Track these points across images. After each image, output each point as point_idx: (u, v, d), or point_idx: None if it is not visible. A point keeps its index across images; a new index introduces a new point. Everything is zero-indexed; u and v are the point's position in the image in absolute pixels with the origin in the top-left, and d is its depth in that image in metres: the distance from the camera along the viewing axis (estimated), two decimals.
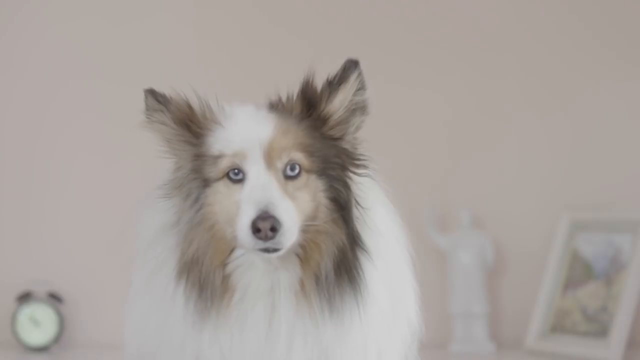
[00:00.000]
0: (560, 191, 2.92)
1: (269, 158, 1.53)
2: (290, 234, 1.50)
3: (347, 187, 1.56)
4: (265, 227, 1.47)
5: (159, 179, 1.61)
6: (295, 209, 1.51)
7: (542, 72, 2.94)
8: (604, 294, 2.72)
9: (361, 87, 1.58)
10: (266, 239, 1.48)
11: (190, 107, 1.57)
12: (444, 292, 2.87)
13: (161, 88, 1.59)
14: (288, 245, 1.50)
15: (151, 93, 1.58)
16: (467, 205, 2.90)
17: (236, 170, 1.54)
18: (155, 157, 1.60)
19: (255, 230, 1.48)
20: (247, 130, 1.54)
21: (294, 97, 1.58)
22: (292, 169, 1.54)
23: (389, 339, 1.59)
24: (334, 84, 1.57)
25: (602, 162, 2.92)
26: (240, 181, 1.54)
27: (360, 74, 1.58)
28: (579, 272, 2.80)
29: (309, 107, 1.57)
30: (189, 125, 1.56)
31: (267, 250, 1.50)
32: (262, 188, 1.51)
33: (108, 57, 2.93)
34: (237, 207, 1.52)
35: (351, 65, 1.58)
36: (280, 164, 1.53)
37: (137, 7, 2.95)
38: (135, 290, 1.62)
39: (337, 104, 1.57)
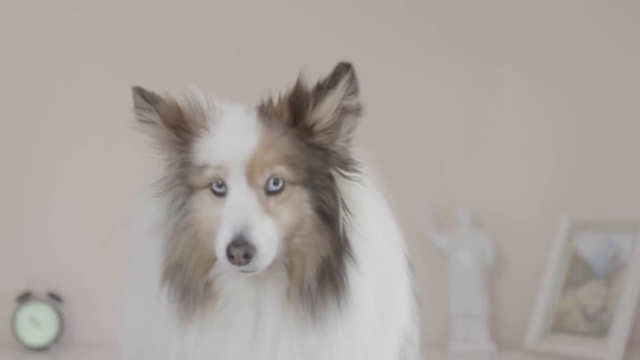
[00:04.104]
0: (560, 191, 2.92)
1: (251, 174, 1.51)
2: (265, 258, 1.48)
3: (334, 195, 1.53)
4: (238, 254, 1.46)
5: (151, 177, 1.60)
6: (276, 226, 1.49)
7: (543, 72, 2.94)
8: (604, 294, 2.72)
9: (352, 92, 1.54)
10: (240, 265, 1.46)
11: (179, 110, 1.54)
12: (444, 292, 2.87)
13: (159, 88, 1.58)
14: (263, 267, 1.49)
15: (139, 91, 1.56)
16: (467, 205, 2.90)
17: (219, 182, 1.52)
18: (150, 158, 1.60)
19: (229, 256, 1.46)
20: (231, 142, 1.52)
21: (282, 103, 1.55)
22: (275, 183, 1.51)
23: (376, 345, 1.57)
24: (323, 89, 1.53)
25: (603, 162, 2.92)
26: (223, 194, 1.52)
27: (352, 78, 1.53)
28: (579, 272, 2.80)
29: (296, 114, 1.54)
30: (177, 130, 1.54)
31: (243, 271, 1.49)
32: (240, 209, 1.49)
33: (103, 58, 2.94)
34: (218, 222, 1.50)
35: (342, 69, 1.53)
36: (261, 180, 1.51)
37: (137, 8, 2.96)
38: (128, 287, 1.62)
39: (324, 111, 1.54)
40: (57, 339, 2.85)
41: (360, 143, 1.60)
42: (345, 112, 1.55)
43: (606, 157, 2.92)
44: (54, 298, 2.87)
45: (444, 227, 2.92)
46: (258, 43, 2.93)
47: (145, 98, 1.55)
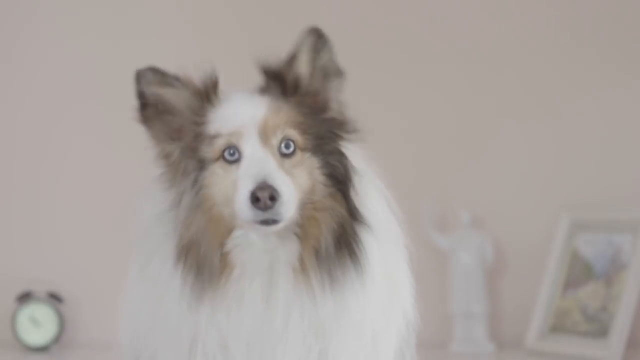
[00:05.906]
0: (560, 191, 2.92)
1: (264, 135, 1.54)
2: (288, 205, 1.50)
3: (342, 161, 1.57)
4: (264, 196, 1.48)
5: (156, 171, 1.61)
6: (293, 184, 1.52)
7: (542, 72, 2.94)
8: (604, 294, 2.72)
9: (321, 49, 1.59)
10: (265, 208, 1.49)
11: (215, 80, 1.59)
12: (444, 292, 2.87)
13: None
14: (287, 217, 1.51)
15: (155, 70, 1.58)
16: (467, 205, 2.90)
17: (232, 151, 1.55)
18: (154, 157, 1.61)
19: (255, 199, 1.48)
20: (241, 109, 1.56)
21: (266, 77, 1.60)
22: (287, 146, 1.55)
23: (384, 323, 1.59)
24: (293, 50, 1.59)
25: (602, 162, 2.92)
26: (236, 161, 1.55)
27: (320, 38, 1.59)
28: (579, 272, 2.80)
29: (275, 80, 1.58)
30: (205, 99, 1.58)
31: (266, 222, 1.50)
32: (258, 162, 1.53)
33: (100, 48, 2.94)
34: (234, 185, 1.52)
35: (309, 33, 1.59)
36: (275, 141, 1.55)
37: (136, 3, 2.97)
38: (130, 280, 1.63)
39: (302, 68, 1.59)
40: (57, 339, 2.85)
41: (361, 143, 1.61)
42: (325, 73, 1.60)
43: (606, 157, 2.92)
44: (54, 298, 2.87)
45: (444, 227, 2.92)
46: (254, 41, 2.93)
47: (165, 75, 1.58)
